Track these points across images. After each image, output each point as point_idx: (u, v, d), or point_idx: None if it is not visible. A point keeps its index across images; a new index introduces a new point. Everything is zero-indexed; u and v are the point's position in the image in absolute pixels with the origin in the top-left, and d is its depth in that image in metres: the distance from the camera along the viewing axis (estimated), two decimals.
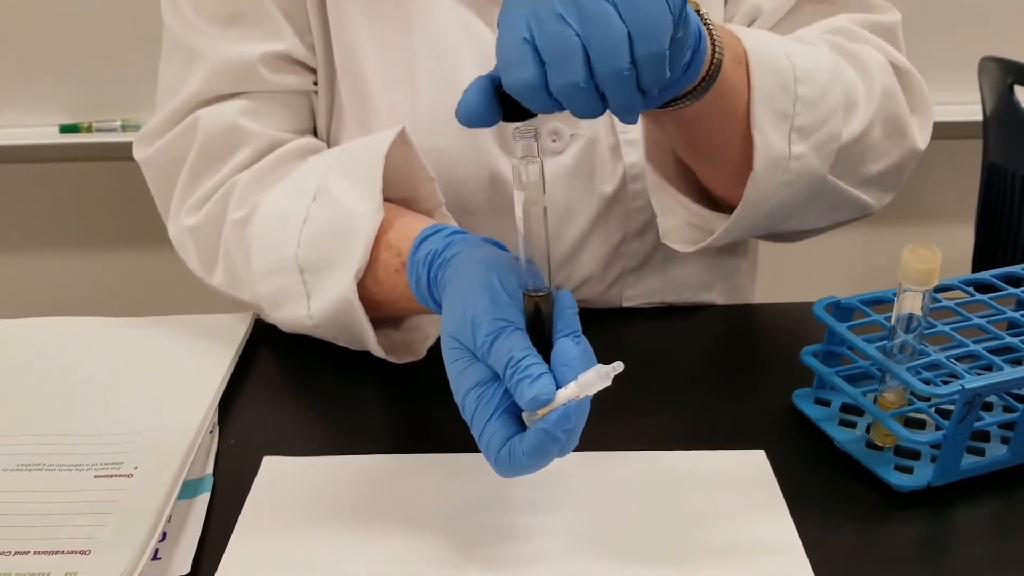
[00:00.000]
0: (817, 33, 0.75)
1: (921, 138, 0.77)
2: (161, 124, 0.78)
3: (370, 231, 0.66)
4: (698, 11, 0.60)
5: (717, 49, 0.61)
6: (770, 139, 0.67)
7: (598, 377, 0.51)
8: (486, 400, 0.53)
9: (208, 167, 0.76)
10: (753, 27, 0.78)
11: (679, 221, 0.75)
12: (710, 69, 0.61)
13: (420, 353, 0.73)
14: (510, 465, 0.52)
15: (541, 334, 0.54)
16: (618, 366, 0.51)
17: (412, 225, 0.66)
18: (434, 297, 0.62)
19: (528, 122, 0.52)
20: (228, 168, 0.76)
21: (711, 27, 0.61)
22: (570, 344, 0.53)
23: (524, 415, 0.52)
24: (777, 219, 0.73)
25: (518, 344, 0.52)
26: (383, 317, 0.70)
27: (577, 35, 0.48)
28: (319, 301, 0.69)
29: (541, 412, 0.51)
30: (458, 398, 0.54)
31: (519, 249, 0.54)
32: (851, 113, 0.71)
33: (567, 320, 0.55)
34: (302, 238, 0.69)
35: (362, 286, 0.67)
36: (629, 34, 0.49)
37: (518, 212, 0.53)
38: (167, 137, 0.78)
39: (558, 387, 0.51)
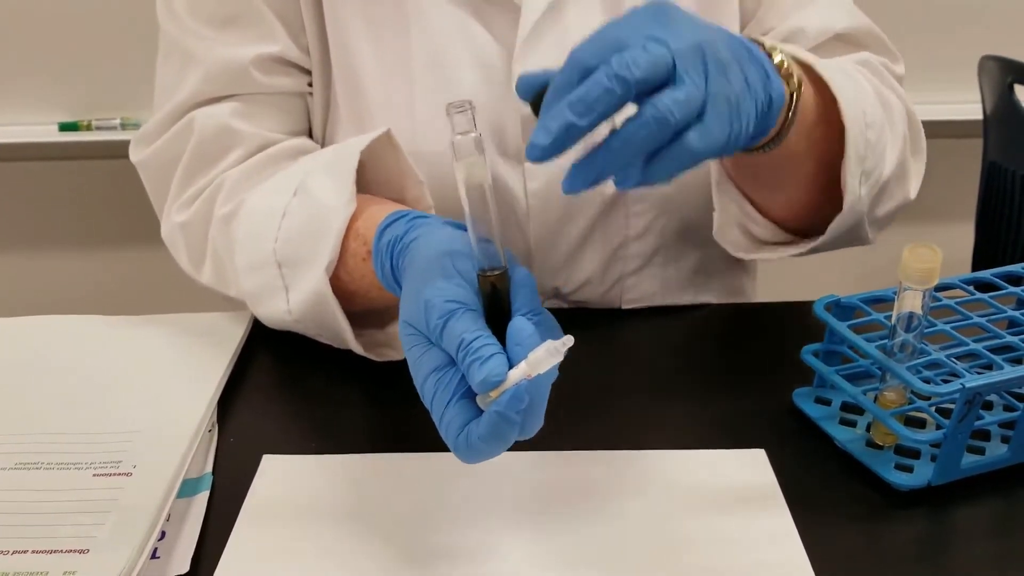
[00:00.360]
0: (852, 65, 0.77)
1: (915, 186, 0.79)
2: (157, 126, 0.79)
3: (341, 224, 0.66)
4: (789, 72, 0.62)
5: (789, 120, 0.63)
6: (853, 186, 0.69)
7: (548, 353, 0.49)
8: (444, 385, 0.52)
9: (201, 167, 0.77)
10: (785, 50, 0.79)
11: (730, 219, 0.75)
12: (781, 130, 0.63)
13: (403, 353, 0.73)
14: (467, 450, 0.51)
15: (501, 314, 0.53)
16: (568, 340, 0.50)
17: (380, 213, 0.66)
18: (399, 283, 0.61)
19: (462, 100, 0.51)
20: (220, 168, 0.76)
21: (796, 92, 0.62)
22: (524, 322, 0.52)
23: (478, 398, 0.51)
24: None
25: (470, 326, 0.51)
26: (360, 310, 0.70)
27: (669, 58, 0.51)
28: (296, 296, 0.69)
29: (494, 394, 0.49)
30: (417, 384, 0.54)
31: (468, 230, 0.53)
32: (885, 152, 0.72)
33: (524, 298, 0.54)
34: (280, 232, 0.69)
35: (335, 278, 0.67)
36: (700, 117, 0.52)
37: (461, 191, 0.52)
38: (163, 139, 0.78)
39: (511, 367, 0.50)
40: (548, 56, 0.76)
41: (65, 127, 1.78)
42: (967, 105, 1.65)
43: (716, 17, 0.79)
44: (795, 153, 0.66)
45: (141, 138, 0.80)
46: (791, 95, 0.62)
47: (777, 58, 0.61)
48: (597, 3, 0.77)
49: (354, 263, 0.67)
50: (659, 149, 0.52)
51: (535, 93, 0.54)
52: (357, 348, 0.69)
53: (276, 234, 0.69)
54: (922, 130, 0.80)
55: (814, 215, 0.72)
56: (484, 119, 0.76)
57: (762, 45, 0.62)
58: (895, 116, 0.75)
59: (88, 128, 1.77)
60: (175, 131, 0.78)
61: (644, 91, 0.51)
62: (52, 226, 1.92)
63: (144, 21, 1.63)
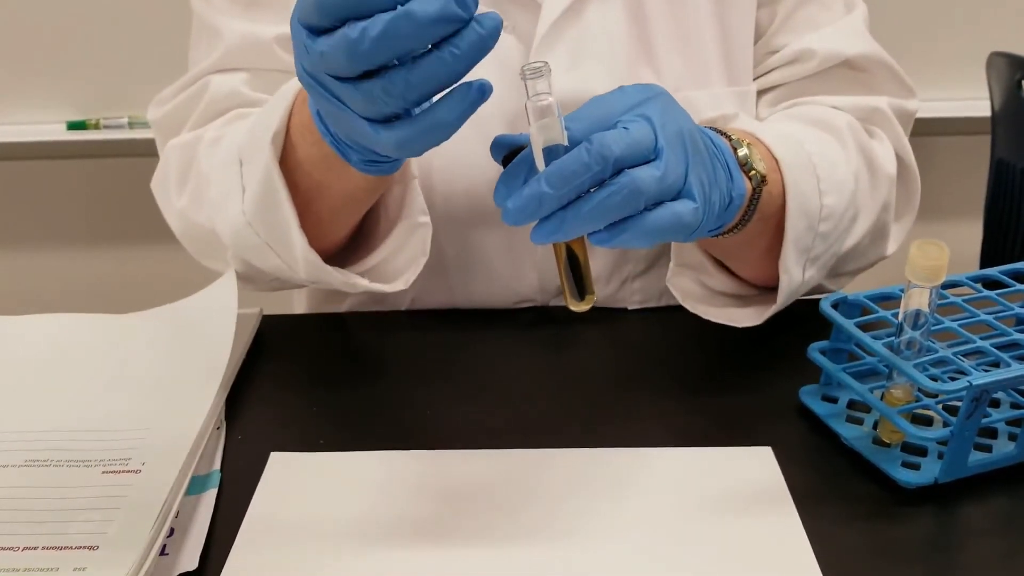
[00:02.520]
0: (849, 117, 0.77)
1: (893, 246, 0.80)
2: (175, 89, 0.81)
3: (291, 94, 0.66)
4: (751, 168, 0.63)
5: (749, 213, 0.64)
6: (793, 275, 0.70)
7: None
8: None
9: (207, 122, 0.79)
10: (793, 70, 0.81)
11: (685, 268, 0.75)
12: (740, 221, 0.64)
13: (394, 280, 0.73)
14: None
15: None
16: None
17: None
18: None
19: (538, 61, 0.52)
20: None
21: (758, 188, 0.64)
22: None
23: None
24: None
25: None
26: (315, 221, 0.69)
27: (652, 139, 0.54)
28: (250, 188, 0.68)
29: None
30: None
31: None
32: (851, 228, 0.74)
33: None
34: (246, 131, 0.70)
35: (286, 167, 0.66)
36: (675, 198, 0.54)
37: (537, 153, 0.53)
38: (177, 99, 0.81)
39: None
40: (565, 55, 0.76)
41: (73, 126, 1.78)
42: (975, 102, 1.64)
43: (730, 26, 0.80)
44: (757, 235, 0.68)
45: (160, 100, 0.83)
46: (753, 190, 0.64)
47: (741, 152, 0.63)
48: (619, 4, 0.78)
49: (305, 146, 0.65)
50: (629, 219, 0.54)
51: (507, 152, 0.56)
52: (302, 243, 0.67)
53: (243, 133, 0.70)
54: (917, 182, 0.81)
55: (776, 279, 0.73)
56: (498, 115, 0.76)
57: (728, 137, 0.64)
58: (880, 184, 0.76)
59: (96, 127, 1.78)
60: (190, 92, 0.80)
61: (624, 168, 0.53)
62: (60, 225, 1.93)
63: (153, 20, 1.64)
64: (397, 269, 0.74)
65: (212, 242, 0.75)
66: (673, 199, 0.55)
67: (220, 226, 0.73)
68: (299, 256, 0.68)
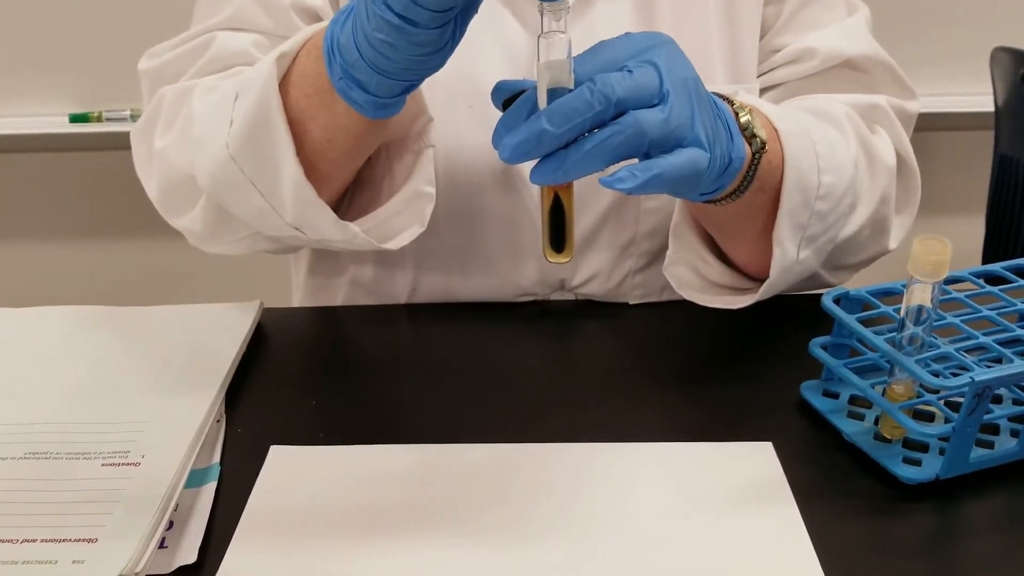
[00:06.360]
0: (848, 108, 0.77)
1: (895, 239, 0.80)
2: (175, 42, 0.78)
3: (304, 34, 0.64)
4: (752, 135, 0.63)
5: (747, 178, 0.64)
6: (787, 250, 0.69)
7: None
8: None
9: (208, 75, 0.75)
10: (794, 69, 0.81)
11: (682, 257, 0.75)
12: (739, 187, 0.64)
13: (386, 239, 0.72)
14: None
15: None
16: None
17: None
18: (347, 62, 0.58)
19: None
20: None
21: (758, 154, 0.63)
22: None
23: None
24: None
25: None
26: (308, 151, 0.66)
27: (657, 83, 0.54)
28: (239, 118, 0.65)
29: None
30: None
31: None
32: (850, 215, 0.73)
33: None
34: (250, 69, 0.67)
35: (284, 92, 0.64)
36: (680, 144, 0.54)
37: (541, 95, 0.52)
38: (175, 52, 0.77)
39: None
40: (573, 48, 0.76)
41: (75, 118, 1.78)
42: (978, 97, 1.64)
43: (738, 23, 0.79)
44: (755, 207, 0.68)
45: (153, 52, 0.78)
46: (753, 155, 0.63)
47: (744, 118, 0.63)
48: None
49: (305, 64, 0.63)
50: (647, 161, 0.53)
51: (508, 96, 0.55)
52: (294, 170, 0.64)
53: (243, 74, 0.67)
54: (918, 180, 0.81)
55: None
56: None
57: (731, 103, 0.63)
58: (880, 176, 0.76)
59: (98, 119, 1.78)
60: (191, 46, 0.76)
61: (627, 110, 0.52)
62: (62, 217, 1.93)
63: (156, 12, 1.63)
64: (390, 232, 0.72)
65: (186, 188, 0.71)
66: (678, 145, 0.54)
67: (199, 164, 0.68)
68: (287, 192, 0.65)
